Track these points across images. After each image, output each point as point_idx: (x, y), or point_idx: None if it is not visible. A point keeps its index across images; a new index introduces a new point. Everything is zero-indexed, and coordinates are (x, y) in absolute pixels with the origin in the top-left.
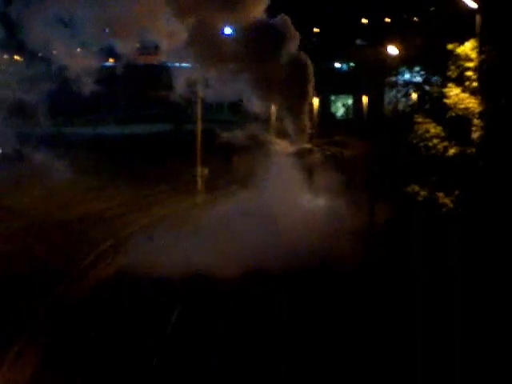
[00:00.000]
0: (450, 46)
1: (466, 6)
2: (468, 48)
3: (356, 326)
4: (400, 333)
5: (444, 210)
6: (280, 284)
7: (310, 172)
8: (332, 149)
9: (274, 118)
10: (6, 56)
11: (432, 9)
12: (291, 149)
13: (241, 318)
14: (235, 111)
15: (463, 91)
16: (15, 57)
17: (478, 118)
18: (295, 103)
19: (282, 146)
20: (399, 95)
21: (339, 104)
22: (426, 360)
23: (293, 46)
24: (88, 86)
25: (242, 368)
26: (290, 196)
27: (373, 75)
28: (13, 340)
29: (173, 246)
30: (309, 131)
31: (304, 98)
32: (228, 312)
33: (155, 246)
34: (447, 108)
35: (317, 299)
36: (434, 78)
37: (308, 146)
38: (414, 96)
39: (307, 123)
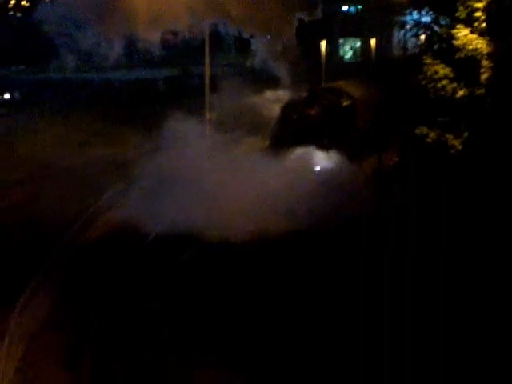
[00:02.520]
0: None
1: None
2: None
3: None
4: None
5: (453, 151)
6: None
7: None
8: (330, 97)
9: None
10: None
11: None
12: (288, 97)
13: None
14: (244, 52)
15: (472, 32)
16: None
17: (486, 59)
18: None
19: (279, 94)
20: (408, 35)
21: (347, 47)
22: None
23: None
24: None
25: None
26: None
27: (381, 17)
28: (29, 279)
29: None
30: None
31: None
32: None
33: (162, 187)
34: (456, 49)
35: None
36: (443, 19)
37: (304, 94)
38: (423, 37)
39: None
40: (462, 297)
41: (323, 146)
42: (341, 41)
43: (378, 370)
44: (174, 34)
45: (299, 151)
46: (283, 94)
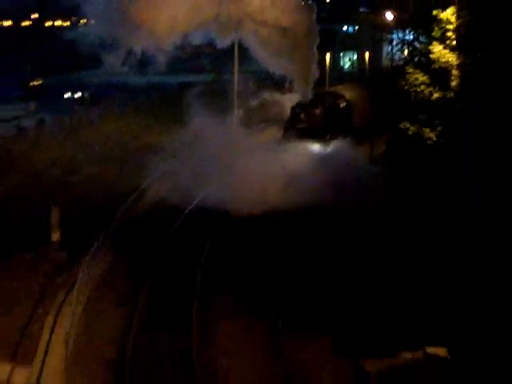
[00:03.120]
0: (434, 12)
1: None
2: (449, 14)
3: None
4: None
5: (429, 142)
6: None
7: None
8: (330, 99)
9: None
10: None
11: None
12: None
13: None
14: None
15: (444, 48)
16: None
17: (456, 70)
18: (304, 64)
19: (289, 98)
20: (394, 49)
21: (346, 59)
22: None
23: (312, 15)
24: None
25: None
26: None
27: (373, 35)
28: (89, 243)
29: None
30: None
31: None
32: None
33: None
34: (432, 61)
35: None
36: (422, 37)
37: (308, 99)
38: (406, 51)
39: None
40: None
41: (325, 138)
42: (341, 54)
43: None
44: (210, 45)
45: (306, 141)
46: (296, 96)
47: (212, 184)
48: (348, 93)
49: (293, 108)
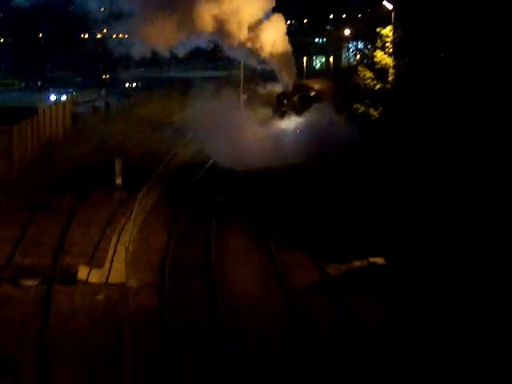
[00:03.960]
0: (378, 29)
1: (386, 7)
2: (387, 30)
3: None
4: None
5: (372, 118)
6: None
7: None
8: (303, 90)
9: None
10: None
11: (368, 10)
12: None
13: None
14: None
15: (384, 54)
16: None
17: (392, 69)
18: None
19: (277, 87)
20: (351, 55)
21: (318, 61)
22: None
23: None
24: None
25: None
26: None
27: (336, 44)
28: (141, 185)
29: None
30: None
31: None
32: None
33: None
34: (375, 63)
35: None
36: (369, 46)
37: (290, 88)
38: (358, 56)
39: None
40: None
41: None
42: (314, 57)
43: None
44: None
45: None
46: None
47: (226, 141)
48: (317, 85)
49: (277, 96)
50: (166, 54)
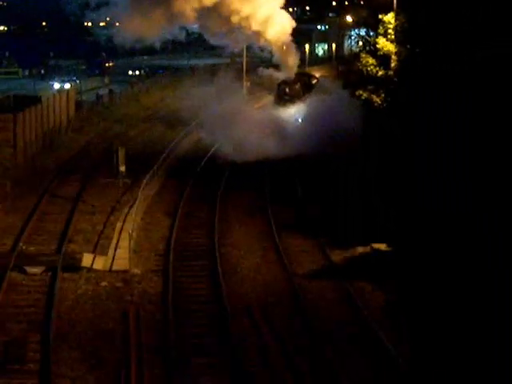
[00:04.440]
0: (380, 16)
1: None
2: (390, 17)
3: None
4: None
5: (375, 104)
6: None
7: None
8: (305, 78)
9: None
10: None
11: None
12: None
13: None
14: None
15: (387, 40)
16: None
17: (394, 55)
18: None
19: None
20: (353, 42)
21: (320, 48)
22: None
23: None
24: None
25: None
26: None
27: (338, 31)
28: (145, 172)
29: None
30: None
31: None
32: None
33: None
34: (378, 49)
35: None
36: (371, 33)
37: (292, 76)
38: (360, 43)
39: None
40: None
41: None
42: (316, 44)
43: None
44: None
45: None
46: (284, 73)
47: (231, 127)
48: (319, 72)
49: (279, 85)
50: (167, 41)
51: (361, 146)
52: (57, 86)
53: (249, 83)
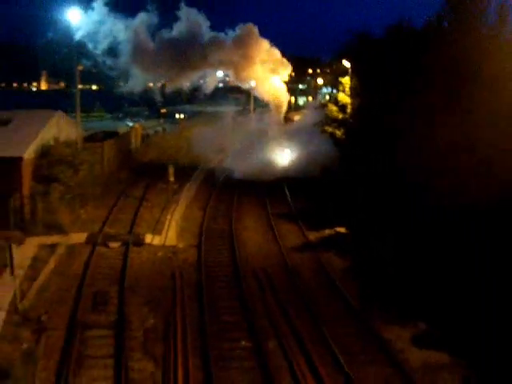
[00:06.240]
0: (340, 79)
1: (345, 65)
2: (346, 79)
3: None
4: None
5: (338, 137)
6: None
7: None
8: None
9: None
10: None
11: (334, 66)
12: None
13: None
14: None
15: (344, 95)
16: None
17: (350, 105)
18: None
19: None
20: (321, 96)
21: (301, 100)
22: None
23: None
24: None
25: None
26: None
27: (314, 89)
28: (186, 181)
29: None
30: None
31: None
32: None
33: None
34: (338, 101)
35: None
36: (334, 90)
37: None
38: (327, 97)
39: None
40: None
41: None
42: (298, 97)
43: None
44: (239, 92)
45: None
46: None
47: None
48: (300, 115)
49: (284, 117)
50: (201, 92)
51: (331, 162)
52: (130, 124)
53: (256, 117)
